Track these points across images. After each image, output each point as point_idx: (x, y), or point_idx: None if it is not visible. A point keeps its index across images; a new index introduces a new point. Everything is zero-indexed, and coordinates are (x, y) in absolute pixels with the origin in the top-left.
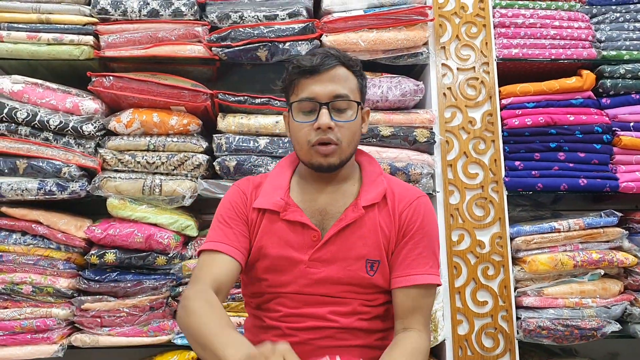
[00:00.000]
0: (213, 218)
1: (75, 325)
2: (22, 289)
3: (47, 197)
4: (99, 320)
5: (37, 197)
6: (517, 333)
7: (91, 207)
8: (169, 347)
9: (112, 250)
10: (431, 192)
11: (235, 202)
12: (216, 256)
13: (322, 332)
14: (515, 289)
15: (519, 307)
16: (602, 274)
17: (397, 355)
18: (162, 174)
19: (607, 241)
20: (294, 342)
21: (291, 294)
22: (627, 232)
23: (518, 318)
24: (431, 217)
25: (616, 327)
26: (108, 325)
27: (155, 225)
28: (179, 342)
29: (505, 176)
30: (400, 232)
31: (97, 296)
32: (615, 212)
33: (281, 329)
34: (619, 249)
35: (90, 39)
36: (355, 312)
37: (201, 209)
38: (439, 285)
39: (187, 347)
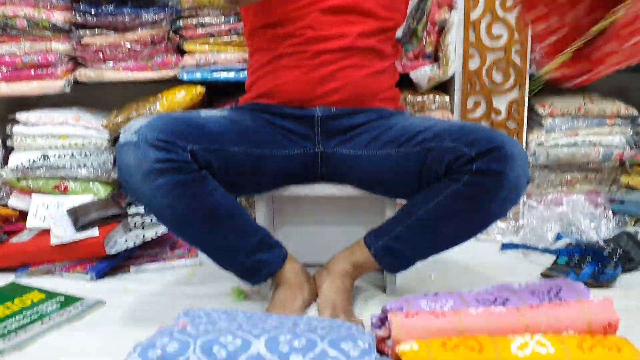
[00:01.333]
0: None
1: (78, 61)
2: (15, 22)
3: None
4: (101, 55)
5: None
6: (530, 67)
7: None
8: (175, 82)
9: None
10: None
11: None
12: None
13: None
14: None
15: (534, 41)
16: None
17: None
18: None
19: None
20: (316, 65)
21: (311, 13)
22: None
23: (532, 52)
24: None
25: None
26: (111, 60)
27: None
28: (185, 77)
29: None
30: None
31: (96, 30)
32: None
33: (304, 52)
34: None
35: None
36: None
37: None
38: None
39: (193, 82)
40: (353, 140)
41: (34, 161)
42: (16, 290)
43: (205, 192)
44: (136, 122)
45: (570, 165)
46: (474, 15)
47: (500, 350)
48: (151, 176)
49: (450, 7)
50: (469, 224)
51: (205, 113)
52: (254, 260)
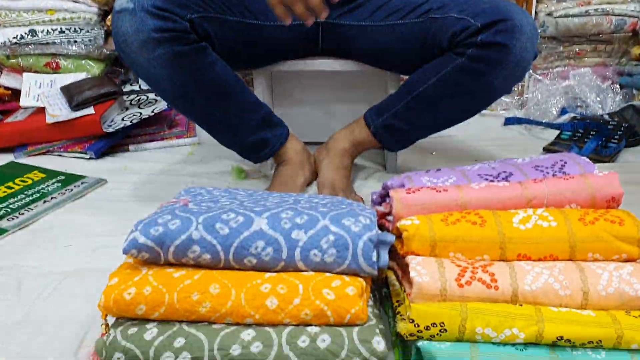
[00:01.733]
0: None
1: None
2: None
3: None
4: None
5: None
6: None
7: None
8: None
9: None
10: None
11: None
12: None
13: None
14: None
15: None
16: None
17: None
18: None
19: None
20: None
21: None
22: None
23: None
24: None
25: None
26: None
27: None
28: None
29: None
30: None
31: None
32: None
33: None
34: None
35: None
36: None
37: None
38: None
39: None
40: (356, 10)
41: (21, 37)
42: (16, 170)
43: (205, 65)
44: None
45: (580, 37)
46: None
47: (502, 224)
48: (149, 46)
49: None
50: (472, 100)
51: None
52: (256, 138)
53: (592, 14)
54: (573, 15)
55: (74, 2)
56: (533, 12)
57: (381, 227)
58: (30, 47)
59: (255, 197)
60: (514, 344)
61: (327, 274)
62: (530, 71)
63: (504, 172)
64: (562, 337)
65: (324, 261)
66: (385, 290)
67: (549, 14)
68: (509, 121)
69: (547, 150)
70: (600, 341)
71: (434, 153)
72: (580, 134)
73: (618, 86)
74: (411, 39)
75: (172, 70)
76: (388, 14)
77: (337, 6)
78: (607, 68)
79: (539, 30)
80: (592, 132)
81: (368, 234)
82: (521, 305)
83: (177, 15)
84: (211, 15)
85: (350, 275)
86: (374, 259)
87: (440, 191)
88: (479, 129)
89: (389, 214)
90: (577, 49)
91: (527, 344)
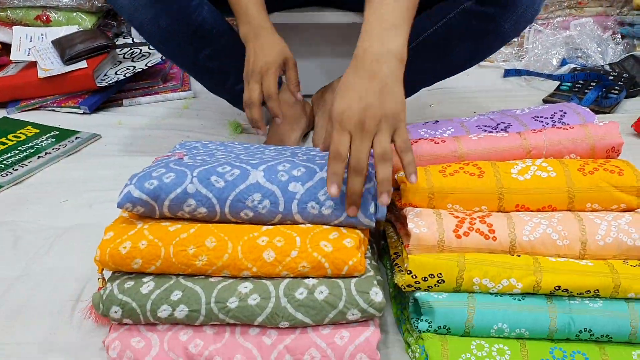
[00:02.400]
0: None
1: None
2: None
3: None
4: None
5: None
6: None
7: None
8: None
9: None
10: None
11: None
12: None
13: None
14: None
15: None
16: None
17: None
18: None
19: None
20: None
21: None
22: None
23: None
24: None
25: None
26: None
27: None
28: None
29: None
30: None
31: None
32: None
33: None
34: None
35: None
36: None
37: None
38: None
39: None
40: None
41: None
42: (9, 126)
43: (191, 7)
44: None
45: None
46: None
47: (501, 175)
48: None
49: None
50: (480, 44)
51: None
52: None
53: None
54: None
55: None
56: None
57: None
58: None
59: (252, 150)
60: (511, 294)
61: (325, 226)
62: None
63: (503, 122)
64: (559, 287)
65: (321, 213)
66: (383, 243)
67: None
68: (508, 73)
69: (546, 101)
70: (598, 290)
71: (432, 105)
72: (580, 85)
73: (619, 36)
74: None
75: (156, 12)
76: None
77: None
78: (609, 18)
79: None
80: (592, 83)
81: (365, 185)
82: (519, 255)
83: None
84: None
85: (348, 228)
86: (372, 210)
87: (438, 142)
88: (478, 81)
89: None
90: None
91: (524, 294)
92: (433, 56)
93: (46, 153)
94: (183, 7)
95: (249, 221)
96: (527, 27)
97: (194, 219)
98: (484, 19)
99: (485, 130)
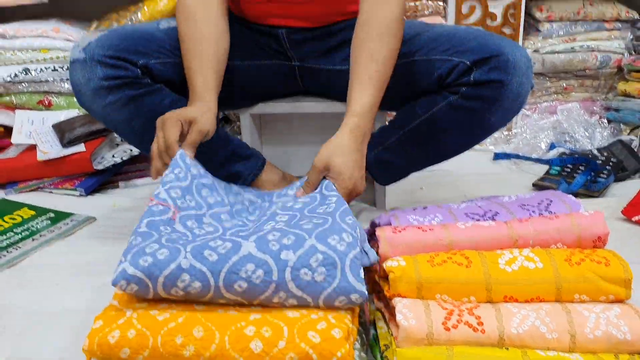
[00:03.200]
0: None
1: None
2: None
3: None
4: None
5: None
6: None
7: None
8: None
9: None
10: None
11: None
12: None
13: None
14: None
15: None
16: None
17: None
18: None
19: None
20: None
21: None
22: None
23: None
24: None
25: None
26: None
27: None
28: None
29: None
30: None
31: None
32: None
33: None
34: None
35: None
36: None
37: None
38: None
39: None
40: (330, 54)
41: (15, 75)
42: (5, 207)
43: (163, 105)
44: (87, 37)
45: (567, 72)
46: None
47: (488, 266)
48: (100, 93)
49: None
50: (466, 136)
51: (167, 23)
52: (227, 172)
53: (577, 51)
54: (559, 52)
55: (67, 40)
56: None
57: (368, 268)
58: (23, 85)
59: (237, 202)
60: None
61: (313, 316)
62: None
63: (490, 210)
64: None
65: (314, 280)
66: (374, 332)
67: (536, 51)
68: (498, 156)
69: (536, 185)
70: None
71: (423, 188)
72: (569, 169)
73: (606, 121)
74: (393, 84)
75: (129, 114)
76: None
77: (310, 51)
78: (595, 103)
79: None
80: (580, 167)
81: (353, 252)
82: (507, 348)
83: (128, 62)
84: (172, 61)
85: (337, 315)
86: (362, 275)
87: (426, 230)
88: (469, 164)
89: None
90: (564, 85)
91: None
92: (420, 146)
93: (41, 235)
94: (154, 106)
95: (242, 293)
96: None
97: (187, 298)
98: (470, 113)
99: (473, 219)
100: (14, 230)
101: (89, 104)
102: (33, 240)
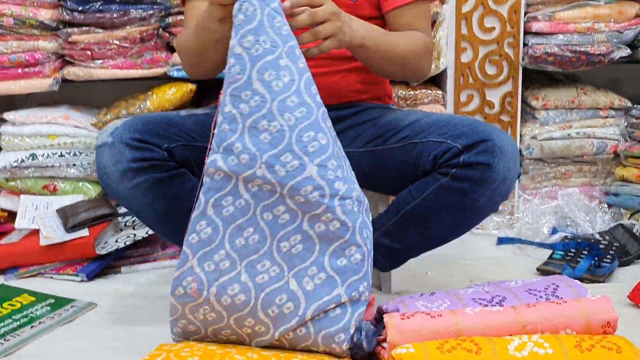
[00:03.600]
0: None
1: (66, 59)
2: (2, 21)
3: None
4: (89, 53)
5: None
6: (522, 60)
7: None
8: (166, 79)
9: None
10: None
11: None
12: (196, 1)
13: (314, 61)
14: (526, 14)
15: (527, 33)
16: None
17: (398, 35)
18: None
19: None
20: None
21: None
22: None
23: (525, 44)
24: None
25: (626, 52)
26: (99, 58)
27: None
28: (175, 74)
29: None
30: None
31: (83, 28)
32: None
33: None
34: None
35: None
36: None
37: None
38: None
39: (184, 80)
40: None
41: (22, 161)
42: (5, 293)
43: (185, 189)
44: (113, 123)
45: (565, 158)
46: (466, 8)
47: (498, 352)
48: (128, 175)
49: (442, 1)
50: (459, 218)
51: (186, 112)
52: None
53: (574, 137)
54: (556, 138)
55: (75, 127)
56: (518, 136)
57: (377, 355)
58: (29, 170)
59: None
60: None
61: None
62: (520, 191)
63: (498, 296)
64: None
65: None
66: None
67: (534, 137)
68: (501, 241)
69: (540, 270)
70: None
71: (428, 273)
72: (572, 254)
73: (606, 205)
74: (393, 163)
75: (152, 197)
76: (367, 140)
77: None
78: (594, 188)
79: (524, 153)
80: (584, 252)
81: None
82: None
83: (154, 146)
84: (192, 144)
85: None
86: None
87: (434, 317)
88: (473, 248)
89: (384, 340)
90: (563, 170)
91: None
92: (416, 229)
93: (40, 322)
94: (177, 190)
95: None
96: (516, 197)
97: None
98: (460, 194)
99: (481, 304)
100: (13, 317)
101: (115, 186)
102: (32, 327)
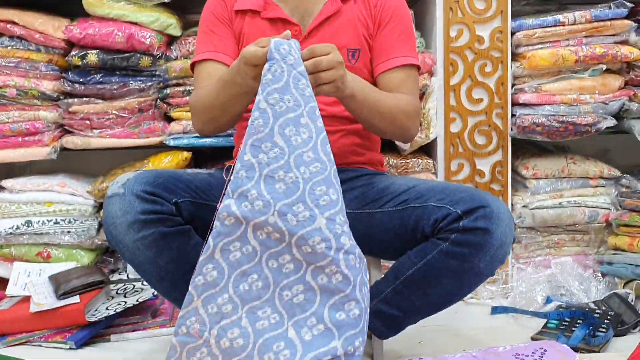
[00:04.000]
0: (197, 30)
1: (65, 128)
2: (6, 92)
3: None
4: (88, 122)
5: None
6: (511, 130)
7: (66, 7)
8: (162, 148)
9: (93, 51)
10: None
11: (215, 9)
12: (207, 65)
13: None
14: (513, 86)
15: (514, 104)
16: (604, 69)
17: (387, 93)
18: None
19: (613, 35)
20: None
21: None
22: (636, 24)
23: (513, 115)
24: (404, 4)
25: (612, 122)
26: (98, 128)
27: (135, 24)
28: (171, 143)
29: None
30: (376, 20)
31: (84, 99)
32: (626, 3)
33: None
34: (625, 42)
35: None
36: (339, 102)
37: (186, 6)
38: (418, 67)
39: (179, 148)
40: None
41: (17, 227)
42: None
43: (189, 247)
44: (124, 175)
45: (557, 227)
46: (454, 80)
47: None
48: (135, 227)
49: (430, 74)
50: (459, 283)
51: (192, 171)
52: None
53: (565, 206)
54: (548, 207)
55: (72, 195)
56: (509, 204)
57: None
58: (24, 237)
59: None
60: None
61: None
62: (513, 260)
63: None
64: None
65: None
66: None
67: (525, 206)
68: (495, 310)
69: (534, 340)
70: None
71: (421, 342)
72: (567, 323)
73: (600, 274)
74: (392, 227)
75: (156, 251)
76: (366, 203)
77: None
78: (588, 257)
79: (516, 221)
80: (578, 321)
81: None
82: None
83: (164, 199)
84: (199, 201)
85: None
86: None
87: None
88: (467, 318)
89: None
90: (555, 239)
91: None
92: (416, 295)
93: None
94: (181, 246)
95: None
96: (510, 266)
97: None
98: (460, 259)
99: None
100: None
101: (121, 237)
102: None
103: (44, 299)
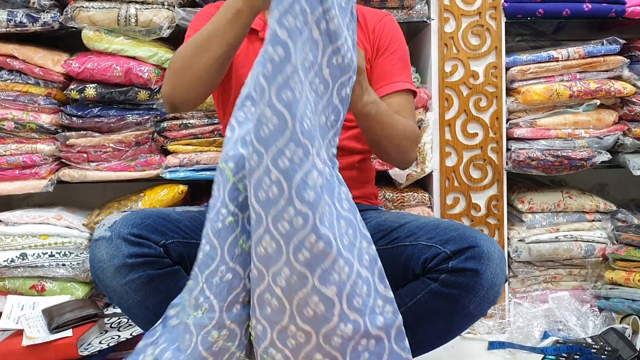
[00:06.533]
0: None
1: (62, 161)
2: (4, 125)
3: (18, 29)
4: (85, 155)
5: (7, 29)
6: (506, 164)
7: (67, 41)
8: (158, 181)
9: (92, 85)
10: (425, 19)
11: (209, 15)
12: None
13: None
14: (508, 120)
15: (509, 138)
16: (598, 104)
17: (385, 109)
18: (137, 2)
19: (607, 70)
20: None
21: None
22: (629, 60)
23: (508, 149)
24: (400, 32)
25: (607, 157)
26: (95, 161)
27: (134, 58)
28: (167, 176)
29: (505, 1)
30: (375, 46)
31: (81, 132)
32: (618, 40)
33: None
34: (618, 78)
35: None
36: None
37: (182, 41)
38: (415, 93)
39: (176, 181)
40: None
41: (12, 260)
42: None
43: (178, 287)
44: (111, 217)
45: (554, 261)
46: (449, 115)
47: None
48: (122, 271)
49: (426, 109)
50: (449, 323)
51: (181, 209)
52: None
53: (562, 240)
54: (544, 241)
55: (67, 227)
56: (505, 238)
57: None
58: (19, 270)
59: None
60: None
61: None
62: (510, 295)
63: None
64: None
65: None
66: None
67: (521, 240)
68: (492, 345)
69: None
70: None
71: None
72: (564, 358)
73: (597, 309)
74: (382, 265)
75: (145, 294)
76: None
77: None
78: (585, 291)
79: (513, 255)
80: (576, 356)
81: None
82: None
83: (151, 242)
84: (187, 241)
85: None
86: None
87: None
88: (463, 354)
89: None
90: (552, 273)
91: None
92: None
93: None
94: (170, 288)
95: None
96: (507, 301)
97: None
98: (449, 300)
99: None
100: None
101: (108, 281)
102: None
103: (36, 333)
